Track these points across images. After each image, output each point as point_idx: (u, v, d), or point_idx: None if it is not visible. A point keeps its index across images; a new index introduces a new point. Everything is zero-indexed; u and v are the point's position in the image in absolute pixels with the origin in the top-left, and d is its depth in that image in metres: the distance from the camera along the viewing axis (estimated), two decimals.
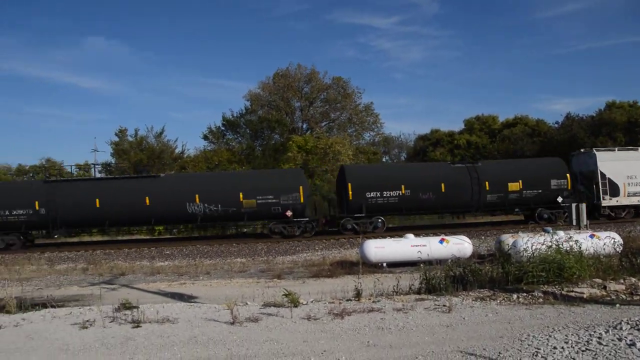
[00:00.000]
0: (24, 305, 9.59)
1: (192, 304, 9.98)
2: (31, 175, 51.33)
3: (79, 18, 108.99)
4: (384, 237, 19.60)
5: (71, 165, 47.93)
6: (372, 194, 24.61)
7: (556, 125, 49.39)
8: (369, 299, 9.23)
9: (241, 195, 24.30)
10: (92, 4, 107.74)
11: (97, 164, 52.33)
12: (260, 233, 27.18)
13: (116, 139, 48.38)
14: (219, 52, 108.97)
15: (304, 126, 52.64)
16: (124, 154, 44.76)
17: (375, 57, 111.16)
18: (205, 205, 24.18)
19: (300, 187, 24.62)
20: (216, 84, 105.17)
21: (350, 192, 24.41)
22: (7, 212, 23.84)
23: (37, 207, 23.79)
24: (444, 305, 8.23)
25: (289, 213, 24.25)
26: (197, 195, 24.16)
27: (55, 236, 26.73)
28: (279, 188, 24.56)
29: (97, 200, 23.64)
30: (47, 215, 23.80)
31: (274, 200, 24.29)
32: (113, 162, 47.43)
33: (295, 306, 8.41)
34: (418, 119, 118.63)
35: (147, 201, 23.78)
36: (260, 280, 14.60)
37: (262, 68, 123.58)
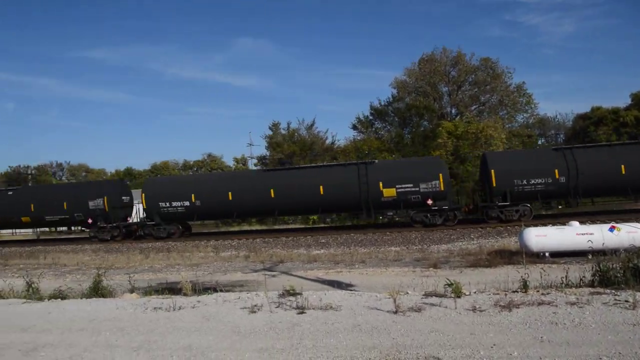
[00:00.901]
0: (197, 289, 10.30)
1: (351, 292, 10.03)
2: (195, 169, 55.47)
3: (228, 21, 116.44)
4: (544, 225, 18.31)
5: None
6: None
7: None
8: (537, 291, 8.57)
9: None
10: (239, 7, 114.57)
11: (253, 157, 55.24)
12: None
13: (270, 132, 50.71)
14: (363, 43, 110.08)
15: (453, 111, 50.88)
16: (277, 147, 46.75)
17: (524, 33, 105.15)
18: None
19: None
20: (364, 74, 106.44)
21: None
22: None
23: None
24: (626, 301, 7.36)
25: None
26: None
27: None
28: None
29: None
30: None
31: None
32: (267, 154, 49.81)
33: (458, 297, 8.06)
34: (575, 97, 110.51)
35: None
36: (416, 269, 14.36)
37: (408, 55, 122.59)
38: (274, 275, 14.20)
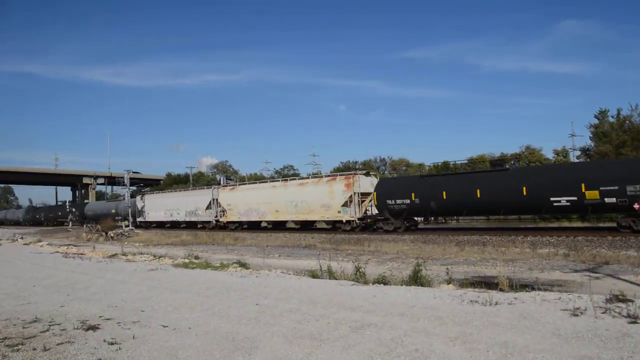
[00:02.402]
0: (514, 285, 10.01)
1: None
2: (512, 163, 53.62)
3: (550, 6, 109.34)
4: None
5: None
6: None
7: None
8: None
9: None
10: None
11: (576, 149, 50.94)
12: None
13: (595, 121, 46.15)
14: None
15: None
16: (604, 137, 42.17)
17: None
18: None
19: None
20: None
21: None
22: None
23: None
24: None
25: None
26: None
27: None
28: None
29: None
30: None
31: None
32: (591, 145, 45.45)
33: None
34: None
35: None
36: None
37: None
38: (597, 277, 12.90)
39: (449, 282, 11.52)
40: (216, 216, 45.59)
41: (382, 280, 12.00)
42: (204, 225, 47.52)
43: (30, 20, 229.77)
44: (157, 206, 54.96)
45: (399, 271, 14.09)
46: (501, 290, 9.72)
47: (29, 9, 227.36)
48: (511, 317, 7.55)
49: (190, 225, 50.72)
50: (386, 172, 77.36)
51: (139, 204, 57.34)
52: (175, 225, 53.11)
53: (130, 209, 56.75)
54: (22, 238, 43.80)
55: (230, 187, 47.06)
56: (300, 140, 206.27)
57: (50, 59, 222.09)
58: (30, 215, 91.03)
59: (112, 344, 7.12)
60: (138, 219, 56.44)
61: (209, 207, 46.37)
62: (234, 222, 44.25)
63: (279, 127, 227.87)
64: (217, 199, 45.78)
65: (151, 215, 55.61)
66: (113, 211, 63.15)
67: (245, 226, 43.64)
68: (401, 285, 11.47)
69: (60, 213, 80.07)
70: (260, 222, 43.23)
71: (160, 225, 54.86)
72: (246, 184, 47.36)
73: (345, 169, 68.72)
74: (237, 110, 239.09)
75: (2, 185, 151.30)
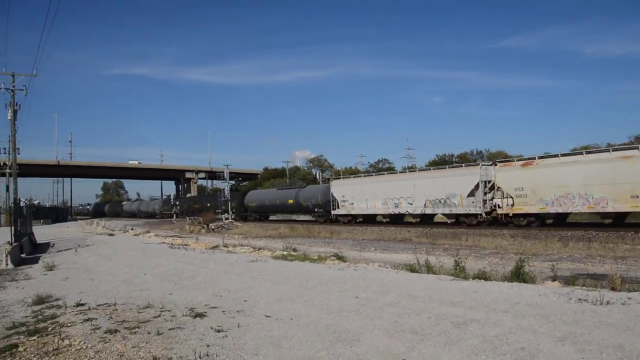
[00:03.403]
0: (628, 284, 9.46)
1: None
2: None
3: None
4: None
5: None
6: None
7: None
8: None
9: None
10: None
11: None
12: None
13: None
14: None
15: None
16: None
17: None
18: None
19: None
20: None
21: None
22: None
23: None
24: None
25: None
26: None
27: None
28: None
29: None
30: None
31: None
32: None
33: None
34: None
35: None
36: None
37: None
38: None
39: (554, 279, 11.07)
40: (493, 206, 31.69)
41: (483, 276, 11.74)
42: (464, 221, 33.71)
43: (138, 26, 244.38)
44: (367, 194, 41.39)
45: (499, 267, 13.73)
46: (613, 289, 9.20)
47: (136, 15, 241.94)
48: (626, 318, 7.14)
49: (425, 220, 37.87)
50: None
51: (337, 193, 44.48)
52: (396, 219, 40.91)
53: (230, 203, 57.44)
54: (132, 229, 46.81)
55: (523, 163, 31.12)
56: (393, 133, 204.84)
57: (155, 61, 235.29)
58: (167, 206, 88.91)
59: (218, 331, 7.48)
60: (334, 212, 44.40)
61: (471, 193, 32.91)
62: (529, 216, 30.11)
63: (372, 120, 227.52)
64: (491, 182, 32.01)
65: (354, 208, 42.58)
66: (291, 201, 52.03)
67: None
68: (502, 281, 11.17)
69: (210, 204, 66.02)
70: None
71: (368, 220, 42.41)
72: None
73: (441, 162, 67.49)
74: (329, 104, 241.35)
75: (114, 180, 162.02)
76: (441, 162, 68.10)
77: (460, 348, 6.20)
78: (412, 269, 13.51)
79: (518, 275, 11.29)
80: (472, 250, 20.26)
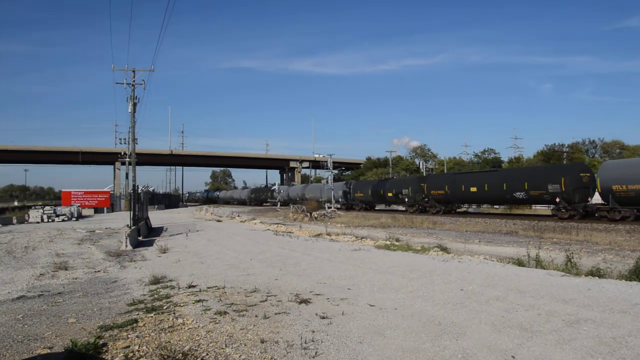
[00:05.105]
0: None
1: None
2: None
3: None
4: None
5: None
6: None
7: None
8: None
9: None
10: None
11: None
12: None
13: None
14: None
15: None
16: None
17: None
18: None
19: None
20: None
21: None
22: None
23: None
24: None
25: None
26: None
27: None
28: None
29: None
30: None
31: None
32: None
33: None
34: None
35: None
36: None
37: None
38: None
39: None
40: None
41: (597, 273, 11.15)
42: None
43: (245, 22, 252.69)
44: None
45: (614, 264, 12.97)
46: None
47: (242, 12, 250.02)
48: None
49: None
50: (596, 156, 70.65)
51: None
52: None
53: (333, 192, 57.47)
54: (238, 216, 48.70)
55: None
56: (499, 122, 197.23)
57: (263, 53, 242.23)
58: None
59: (323, 317, 7.68)
60: None
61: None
62: None
63: (477, 109, 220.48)
64: None
65: None
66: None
67: None
68: (619, 279, 10.55)
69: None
70: None
71: None
72: None
73: (551, 153, 64.13)
74: (433, 93, 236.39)
75: (222, 169, 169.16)
76: (550, 153, 64.65)
77: (573, 348, 5.97)
78: (519, 262, 13.08)
79: (638, 274, 10.60)
80: (582, 245, 19.21)
